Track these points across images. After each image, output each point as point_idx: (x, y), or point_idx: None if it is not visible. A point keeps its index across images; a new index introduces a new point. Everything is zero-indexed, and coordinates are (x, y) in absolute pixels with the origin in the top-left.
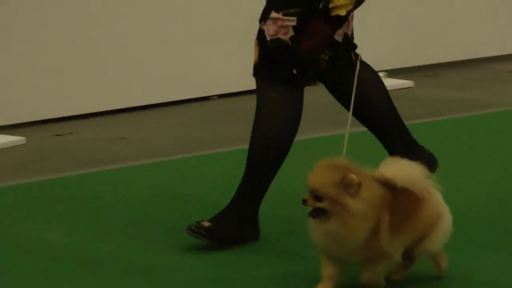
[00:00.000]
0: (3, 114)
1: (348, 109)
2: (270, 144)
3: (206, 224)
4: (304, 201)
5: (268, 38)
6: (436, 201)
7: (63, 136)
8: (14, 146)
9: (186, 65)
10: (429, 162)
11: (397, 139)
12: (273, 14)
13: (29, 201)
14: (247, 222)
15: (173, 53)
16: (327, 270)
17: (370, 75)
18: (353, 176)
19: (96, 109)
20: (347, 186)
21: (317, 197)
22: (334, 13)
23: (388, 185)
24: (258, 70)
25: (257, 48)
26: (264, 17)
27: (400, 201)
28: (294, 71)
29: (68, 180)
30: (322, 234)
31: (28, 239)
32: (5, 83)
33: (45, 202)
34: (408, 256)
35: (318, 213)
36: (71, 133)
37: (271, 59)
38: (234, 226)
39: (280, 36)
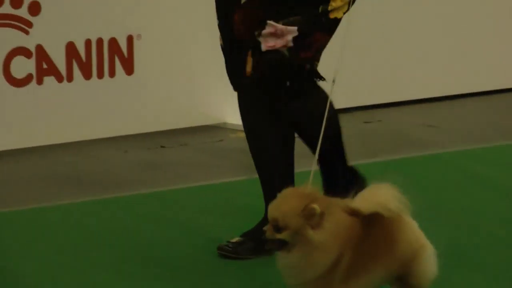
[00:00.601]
0: None
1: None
2: None
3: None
4: (263, 232)
5: (264, 49)
6: (414, 228)
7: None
8: None
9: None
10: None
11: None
12: (271, 24)
13: None
14: None
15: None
16: None
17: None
18: (315, 206)
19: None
20: (309, 216)
21: (277, 227)
22: (332, 15)
23: (358, 216)
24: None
25: (250, 59)
26: (259, 27)
27: (371, 235)
28: (287, 84)
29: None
30: (283, 267)
31: None
32: None
33: None
34: (405, 283)
35: (279, 245)
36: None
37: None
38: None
39: (278, 47)
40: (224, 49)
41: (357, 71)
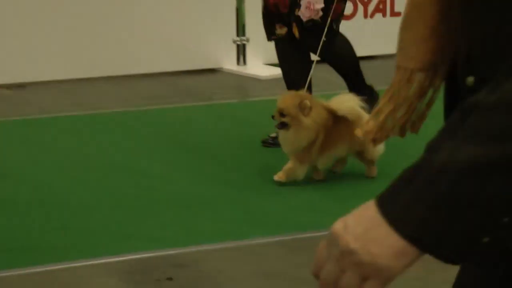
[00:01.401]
0: None
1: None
2: None
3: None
4: (273, 117)
5: (305, 20)
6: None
7: None
8: None
9: None
10: (371, 98)
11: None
12: (305, 1)
13: None
14: None
15: None
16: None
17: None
18: (307, 101)
19: None
20: (302, 108)
21: (282, 114)
22: None
23: (332, 113)
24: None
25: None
26: (296, 5)
27: (336, 126)
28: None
29: None
30: (283, 140)
31: None
32: None
33: None
34: (362, 159)
35: (282, 126)
36: None
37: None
38: None
39: (313, 17)
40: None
41: None
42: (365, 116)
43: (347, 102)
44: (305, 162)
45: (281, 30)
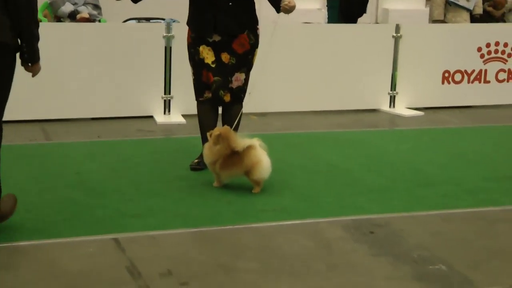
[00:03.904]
0: None
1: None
2: None
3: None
4: (210, 134)
5: (234, 87)
6: (256, 154)
7: None
8: None
9: None
10: None
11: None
12: (237, 74)
13: None
14: None
15: None
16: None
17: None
18: (216, 133)
19: None
20: (213, 138)
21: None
22: (253, 62)
23: (229, 148)
24: None
25: (228, 94)
26: (231, 75)
27: (233, 155)
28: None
29: None
30: (204, 152)
31: None
32: None
33: None
34: (251, 180)
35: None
36: None
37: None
38: None
39: (239, 85)
40: (197, 82)
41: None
42: (261, 150)
43: (243, 142)
44: (215, 174)
45: (208, 95)
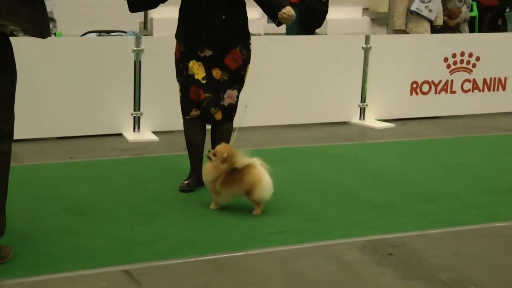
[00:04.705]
0: None
1: None
2: None
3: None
4: (209, 151)
5: (226, 104)
6: (257, 173)
7: None
8: None
9: None
10: None
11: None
12: (229, 92)
13: None
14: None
15: None
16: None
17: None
18: (217, 152)
19: None
20: (213, 156)
21: (214, 154)
22: (245, 78)
23: (232, 165)
24: None
25: (220, 111)
26: (222, 93)
27: (234, 172)
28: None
29: None
30: (203, 171)
31: None
32: None
33: None
34: (252, 201)
35: (208, 159)
36: None
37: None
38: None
39: (231, 102)
40: (184, 99)
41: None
42: (261, 168)
43: (243, 159)
44: (214, 193)
45: (195, 112)
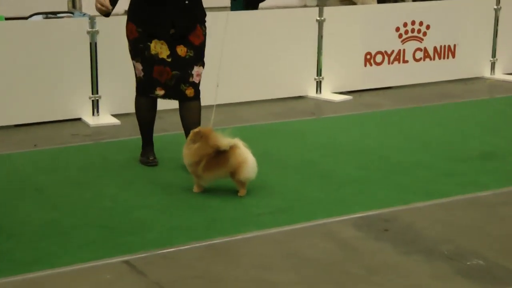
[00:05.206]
0: None
1: None
2: None
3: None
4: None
5: (196, 81)
6: (241, 153)
7: None
8: None
9: None
10: None
11: None
12: (196, 68)
13: None
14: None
15: None
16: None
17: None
18: (196, 131)
19: None
20: (192, 137)
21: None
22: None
23: (214, 148)
24: None
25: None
26: (191, 69)
27: (218, 154)
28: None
29: None
30: (184, 153)
31: None
32: None
33: None
34: (236, 181)
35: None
36: None
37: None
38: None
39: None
40: (147, 78)
41: None
42: (244, 149)
43: (227, 141)
44: (195, 176)
45: (160, 91)
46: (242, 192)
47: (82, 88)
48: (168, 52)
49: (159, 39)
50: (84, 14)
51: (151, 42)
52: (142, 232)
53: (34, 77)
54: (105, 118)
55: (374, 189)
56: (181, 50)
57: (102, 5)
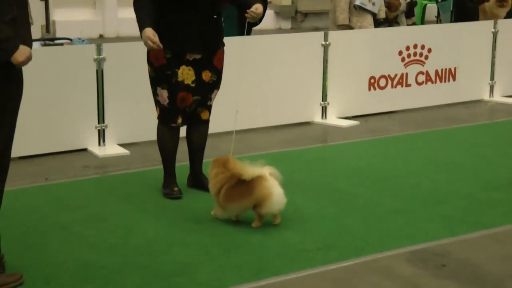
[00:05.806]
0: None
1: None
2: None
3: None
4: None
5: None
6: (267, 186)
7: None
8: None
9: None
10: None
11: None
12: (211, 97)
13: None
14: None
15: None
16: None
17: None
18: (216, 160)
19: None
20: (217, 166)
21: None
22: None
23: (236, 176)
24: None
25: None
26: (210, 94)
27: (240, 184)
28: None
29: None
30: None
31: None
32: None
33: None
34: (257, 214)
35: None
36: None
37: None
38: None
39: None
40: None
41: None
42: (272, 180)
43: (251, 169)
44: (220, 206)
45: (180, 120)
46: (257, 224)
47: (88, 117)
48: (193, 78)
49: (186, 64)
50: (83, 41)
51: (179, 69)
52: (186, 274)
53: (39, 107)
54: (112, 148)
55: (418, 221)
56: (206, 76)
57: (153, 42)
